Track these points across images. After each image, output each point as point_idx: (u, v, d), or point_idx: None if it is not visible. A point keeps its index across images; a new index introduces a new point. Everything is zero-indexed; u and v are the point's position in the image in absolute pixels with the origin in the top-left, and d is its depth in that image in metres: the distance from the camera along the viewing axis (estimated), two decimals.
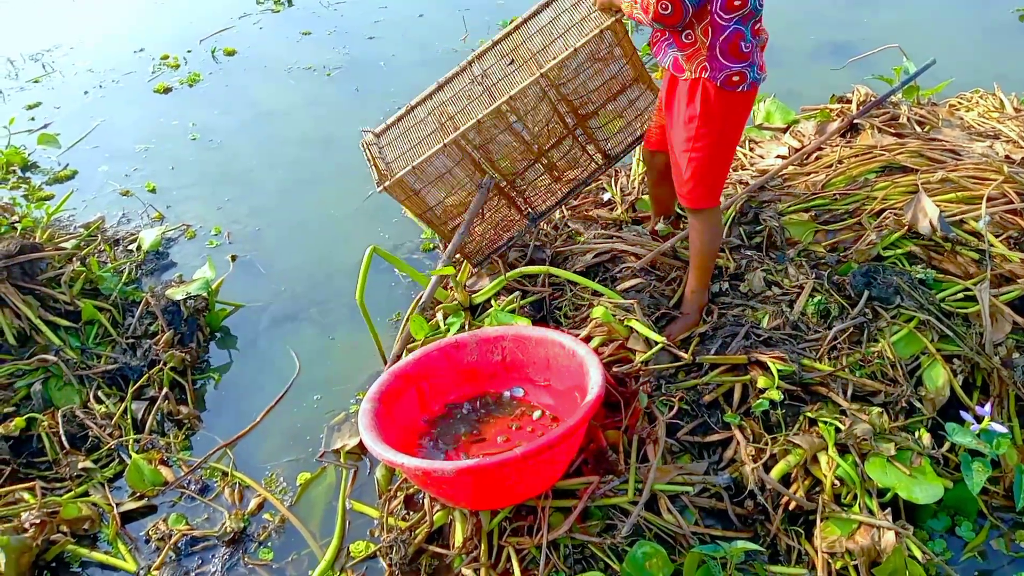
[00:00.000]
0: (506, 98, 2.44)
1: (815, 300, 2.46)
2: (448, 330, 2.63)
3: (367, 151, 2.59)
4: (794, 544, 2.14)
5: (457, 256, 2.65)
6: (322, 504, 2.38)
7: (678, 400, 2.29)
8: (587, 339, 2.47)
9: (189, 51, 5.10)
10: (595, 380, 2.16)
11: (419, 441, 2.33)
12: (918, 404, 2.31)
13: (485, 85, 2.62)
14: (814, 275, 2.52)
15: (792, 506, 2.16)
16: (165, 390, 2.66)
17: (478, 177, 2.60)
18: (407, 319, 2.68)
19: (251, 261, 3.40)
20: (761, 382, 2.24)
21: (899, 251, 2.58)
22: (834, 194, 2.81)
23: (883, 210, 2.69)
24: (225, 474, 2.46)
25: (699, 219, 2.36)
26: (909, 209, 2.59)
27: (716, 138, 2.19)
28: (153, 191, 3.88)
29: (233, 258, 3.40)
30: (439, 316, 2.75)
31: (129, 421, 2.58)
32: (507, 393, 2.46)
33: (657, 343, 2.33)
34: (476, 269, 2.84)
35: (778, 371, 2.26)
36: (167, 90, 4.70)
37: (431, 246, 3.34)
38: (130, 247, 3.37)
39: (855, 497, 2.13)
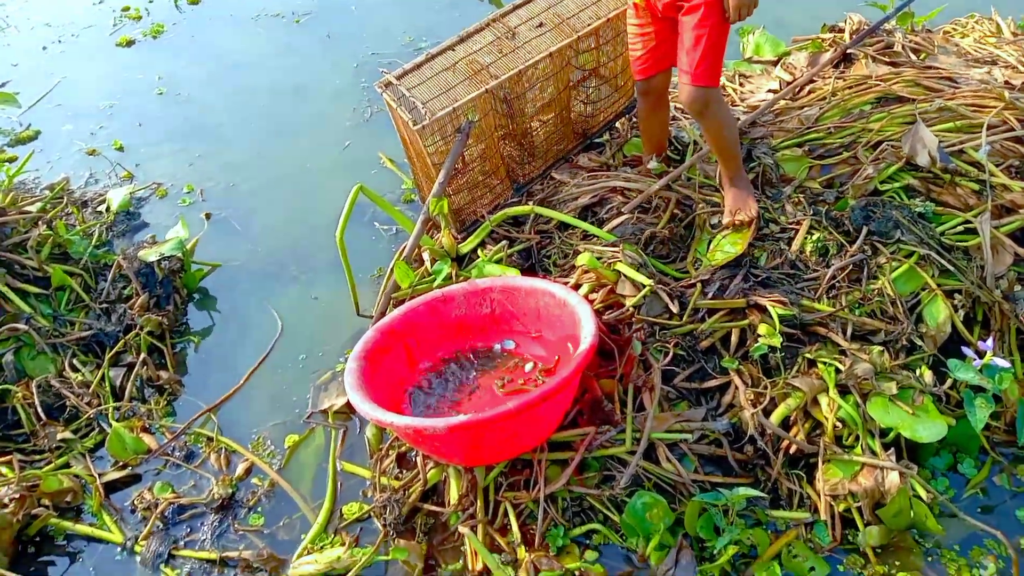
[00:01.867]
0: (546, 53, 2.55)
1: (813, 238, 2.38)
2: (435, 276, 2.54)
3: (386, 93, 2.48)
4: (796, 488, 2.10)
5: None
6: (312, 466, 2.32)
7: (673, 346, 2.22)
8: (576, 287, 2.39)
9: (151, 1, 4.86)
10: (588, 330, 2.08)
11: (408, 399, 2.26)
12: (919, 341, 2.25)
13: (515, 42, 2.57)
14: (811, 212, 2.44)
15: (793, 450, 2.11)
16: (143, 355, 2.56)
17: (500, 130, 2.63)
18: (391, 269, 2.58)
19: (226, 219, 3.27)
20: (762, 329, 2.17)
21: (897, 184, 2.49)
22: (828, 127, 2.71)
23: (880, 142, 2.59)
24: (210, 439, 2.38)
25: (709, 109, 2.36)
26: (907, 140, 2.50)
27: (718, 19, 2.27)
28: (121, 149, 3.72)
29: (207, 216, 3.27)
30: (425, 258, 2.65)
31: (108, 389, 2.49)
32: (498, 346, 2.38)
33: (645, 286, 2.24)
34: (460, 235, 2.74)
35: (778, 315, 2.19)
36: (130, 43, 4.49)
37: (412, 197, 3.22)
38: (99, 208, 3.23)
39: (857, 438, 2.09)
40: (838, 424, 2.09)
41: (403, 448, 2.28)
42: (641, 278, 2.25)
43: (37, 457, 2.32)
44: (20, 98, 3.96)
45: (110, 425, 2.37)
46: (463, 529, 1.90)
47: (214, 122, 3.84)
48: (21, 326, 2.52)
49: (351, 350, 2.24)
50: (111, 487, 2.27)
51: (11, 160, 3.59)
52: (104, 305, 2.72)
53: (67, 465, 2.30)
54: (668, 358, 2.20)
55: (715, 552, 1.98)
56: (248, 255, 3.09)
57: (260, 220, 3.25)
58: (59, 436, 2.33)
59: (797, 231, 2.42)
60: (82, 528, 2.15)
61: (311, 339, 2.70)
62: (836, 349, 2.23)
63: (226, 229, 3.22)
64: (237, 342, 2.74)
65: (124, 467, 2.30)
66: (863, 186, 2.47)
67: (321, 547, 2.09)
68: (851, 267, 2.31)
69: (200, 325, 2.83)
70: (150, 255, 2.78)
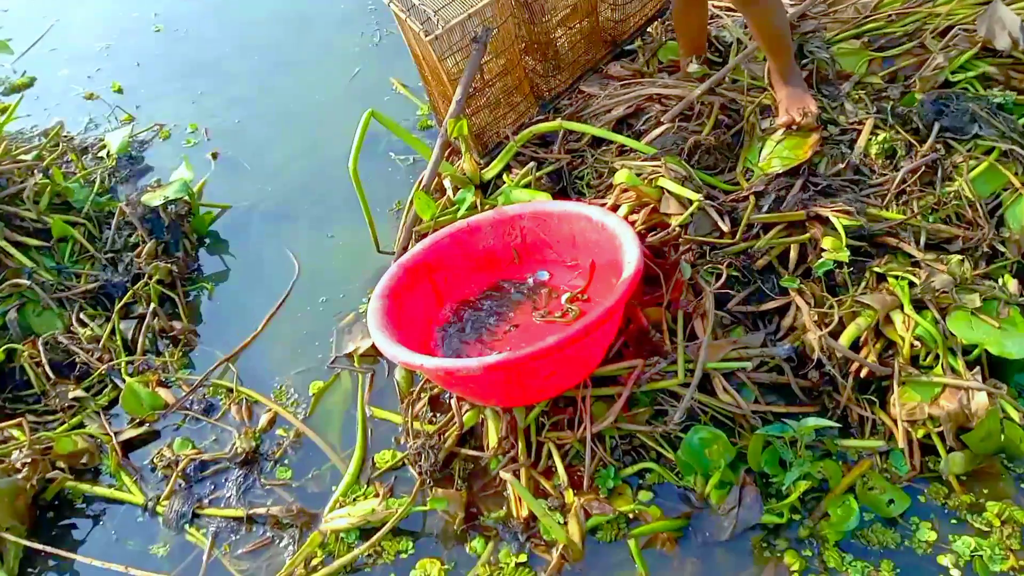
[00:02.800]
0: None
1: (878, 139, 2.12)
2: (458, 205, 2.33)
3: (394, 4, 2.24)
4: (867, 415, 1.91)
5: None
6: (339, 414, 2.17)
7: (726, 267, 2.01)
8: (614, 208, 2.17)
9: None
10: (631, 254, 1.87)
11: (438, 337, 2.09)
12: (1002, 248, 2.01)
13: None
14: (875, 110, 2.18)
15: (864, 373, 1.90)
16: (153, 306, 2.41)
17: (522, 40, 2.40)
18: (411, 201, 2.38)
19: (234, 157, 3.07)
20: (827, 243, 1.94)
21: (971, 74, 2.22)
22: (889, 15, 2.41)
23: (950, 27, 2.31)
24: (230, 391, 2.24)
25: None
26: (982, 22, 2.21)
27: None
28: (120, 92, 3.51)
29: (214, 156, 3.08)
30: (447, 186, 2.44)
31: (119, 343, 2.34)
32: (531, 278, 2.18)
33: (692, 202, 2.01)
34: (483, 160, 2.51)
35: (843, 227, 1.96)
36: None
37: (428, 123, 2.99)
38: (100, 154, 3.05)
39: (936, 358, 1.88)
40: (916, 343, 1.88)
41: (436, 390, 2.11)
42: (687, 193, 2.02)
43: (50, 418, 2.19)
44: (13, 44, 3.76)
45: (124, 381, 2.23)
46: (505, 475, 1.74)
47: (215, 57, 3.61)
48: (23, 281, 2.37)
49: (373, 289, 2.06)
50: (128, 446, 2.14)
51: (6, 110, 3.41)
52: (110, 255, 2.56)
53: (81, 425, 2.17)
54: (721, 281, 1.98)
55: (783, 488, 1.80)
56: (259, 195, 2.90)
57: (269, 157, 3.05)
58: (71, 395, 2.20)
59: (859, 132, 2.16)
60: (100, 490, 2.03)
61: (331, 280, 2.53)
62: (908, 261, 2.01)
63: (234, 168, 3.03)
64: (253, 287, 2.58)
65: (141, 424, 2.16)
66: (932, 78, 2.20)
67: (354, 499, 1.95)
68: (923, 169, 2.06)
69: (213, 271, 2.66)
70: (154, 199, 2.60)
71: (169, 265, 2.51)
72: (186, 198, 2.70)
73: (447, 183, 2.48)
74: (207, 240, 2.76)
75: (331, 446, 2.09)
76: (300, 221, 2.77)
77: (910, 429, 1.86)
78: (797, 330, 2.00)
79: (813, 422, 1.78)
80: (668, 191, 2.08)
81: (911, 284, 1.94)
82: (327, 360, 2.29)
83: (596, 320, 1.70)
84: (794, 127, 2.14)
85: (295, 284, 2.54)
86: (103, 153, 3.03)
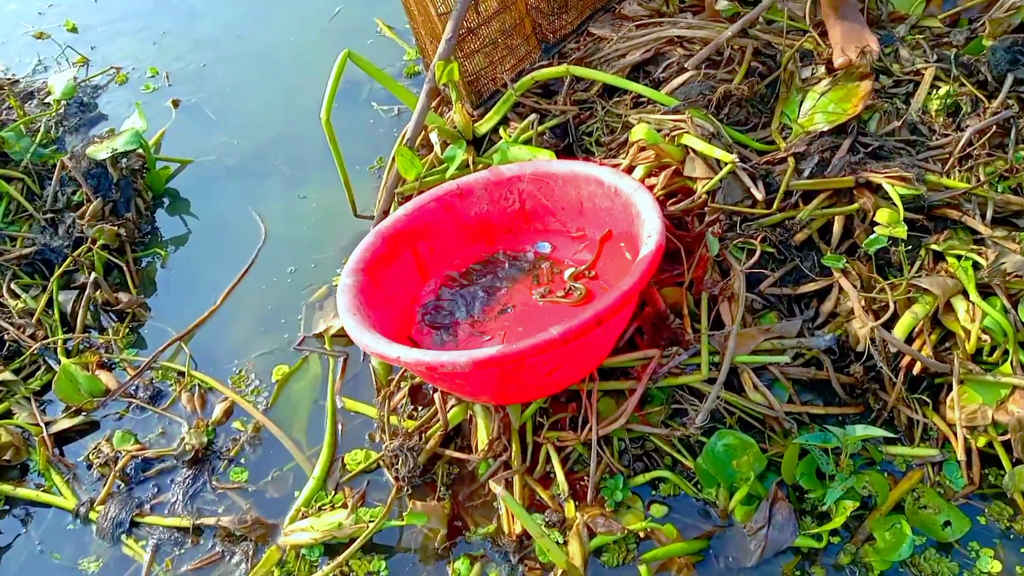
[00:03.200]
0: None
1: (939, 92, 1.81)
2: (447, 164, 2.02)
3: None
4: (918, 417, 1.63)
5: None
6: (306, 405, 1.88)
7: (760, 242, 1.70)
8: (629, 170, 1.86)
9: None
10: (651, 225, 1.57)
11: (422, 319, 1.79)
12: None
13: None
14: (935, 58, 1.86)
15: (917, 369, 1.62)
16: (96, 274, 2.10)
17: None
18: (392, 159, 2.07)
19: (198, 105, 2.74)
20: (881, 216, 1.64)
21: None
22: None
23: None
24: (182, 375, 1.95)
25: None
26: None
27: None
28: (74, 31, 3.16)
29: (175, 104, 2.75)
30: (434, 141, 2.12)
31: (56, 317, 2.05)
32: (530, 250, 1.89)
33: (725, 164, 1.70)
34: (476, 112, 2.18)
35: (899, 196, 1.65)
36: None
37: (416, 69, 2.66)
38: (47, 100, 2.71)
39: (1004, 353, 1.59)
40: (983, 336, 1.59)
41: (417, 380, 1.83)
42: (717, 153, 1.71)
43: None
44: None
45: (59, 362, 1.93)
46: (496, 488, 1.46)
47: None
48: None
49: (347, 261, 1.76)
50: (61, 439, 1.86)
51: None
52: (49, 215, 2.24)
53: (8, 414, 1.88)
54: (754, 258, 1.68)
55: (822, 506, 1.53)
56: (224, 148, 2.58)
57: (237, 106, 2.72)
58: None
59: (918, 84, 1.85)
60: (25, 492, 1.75)
61: (302, 247, 2.22)
62: (971, 238, 1.71)
63: (198, 118, 2.70)
64: (213, 254, 2.28)
65: (77, 413, 1.88)
66: (1004, 20, 1.87)
67: (319, 508, 1.67)
68: (992, 129, 1.75)
69: (168, 234, 2.36)
70: (100, 152, 2.28)
71: (116, 228, 2.20)
72: (140, 151, 2.38)
73: (434, 137, 2.16)
74: (164, 199, 2.45)
75: (295, 443, 1.82)
76: (270, 179, 2.46)
77: (969, 436, 1.58)
78: (839, 317, 1.71)
79: (862, 430, 1.51)
80: (693, 150, 1.76)
81: (976, 266, 1.65)
82: (294, 341, 2.00)
83: (609, 308, 1.41)
84: (850, 67, 1.81)
85: (261, 251, 2.24)
86: (51, 99, 2.69)
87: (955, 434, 1.58)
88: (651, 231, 1.55)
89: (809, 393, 1.69)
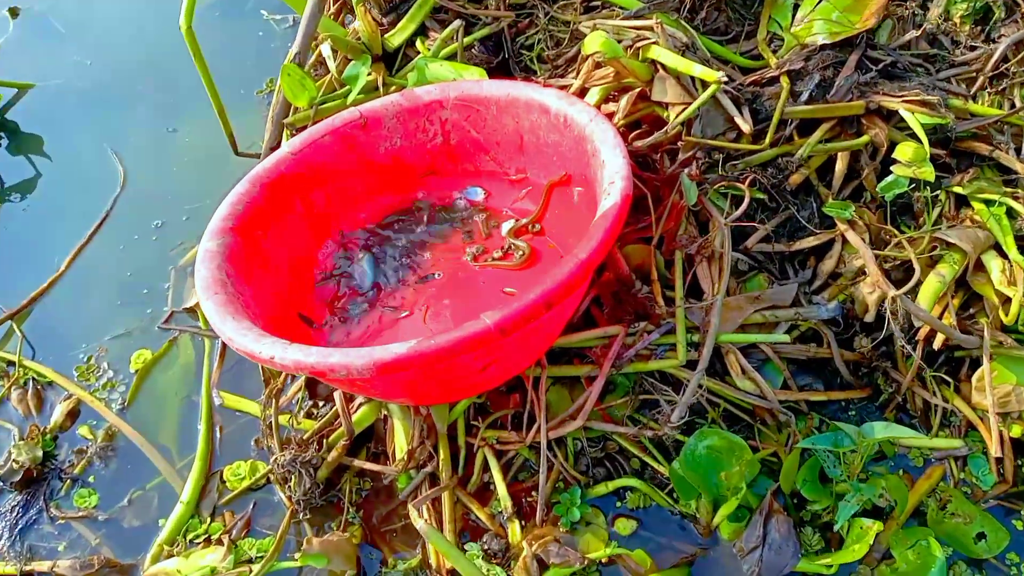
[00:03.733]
0: None
1: None
2: (348, 86, 1.59)
3: None
4: (937, 401, 1.32)
5: None
6: (175, 402, 1.48)
7: (747, 186, 1.34)
8: (581, 93, 1.47)
9: None
10: (613, 166, 1.19)
11: (317, 296, 1.39)
12: None
13: None
14: None
15: (938, 343, 1.30)
16: None
17: None
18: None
19: (43, 16, 2.21)
20: (903, 152, 1.29)
21: None
22: None
23: None
24: (11, 366, 1.51)
25: None
26: None
27: None
28: None
29: (13, 12, 2.20)
30: (327, 56, 1.67)
31: None
32: (459, 198, 1.49)
33: (708, 84, 1.32)
34: (385, 19, 1.72)
35: (920, 125, 1.31)
36: None
37: None
38: None
39: None
40: None
41: None
42: (697, 69, 1.31)
43: None
44: None
45: None
46: (417, 524, 1.11)
47: None
48: None
49: None
50: None
51: None
52: None
53: None
54: (741, 207, 1.32)
55: (825, 517, 1.23)
56: (76, 70, 2.08)
57: (94, 17, 2.20)
58: None
59: None
60: None
61: (171, 195, 1.77)
62: (1002, 178, 1.38)
63: (43, 32, 2.18)
64: (57, 205, 1.81)
65: None
66: None
67: (191, 541, 1.29)
68: None
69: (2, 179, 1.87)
70: None
71: None
72: None
73: (327, 51, 1.70)
74: None
75: (161, 452, 1.42)
76: (134, 109, 1.98)
77: (1002, 425, 1.28)
78: (841, 278, 1.37)
79: (883, 429, 1.19)
80: (663, 67, 1.37)
81: (1010, 213, 1.33)
82: (159, 317, 1.57)
83: (561, 285, 1.03)
84: None
85: (118, 200, 1.78)
86: None
87: (984, 421, 1.28)
88: (614, 175, 1.17)
89: (806, 375, 1.37)
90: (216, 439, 1.42)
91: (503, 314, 1.00)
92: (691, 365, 1.26)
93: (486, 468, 1.32)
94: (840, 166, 1.38)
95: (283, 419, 1.37)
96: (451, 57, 1.62)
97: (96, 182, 1.81)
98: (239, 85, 1.93)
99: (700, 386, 1.24)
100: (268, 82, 1.93)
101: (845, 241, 1.36)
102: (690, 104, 1.33)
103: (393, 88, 1.62)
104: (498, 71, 1.66)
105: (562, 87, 1.46)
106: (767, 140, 1.34)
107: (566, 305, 1.16)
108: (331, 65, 1.64)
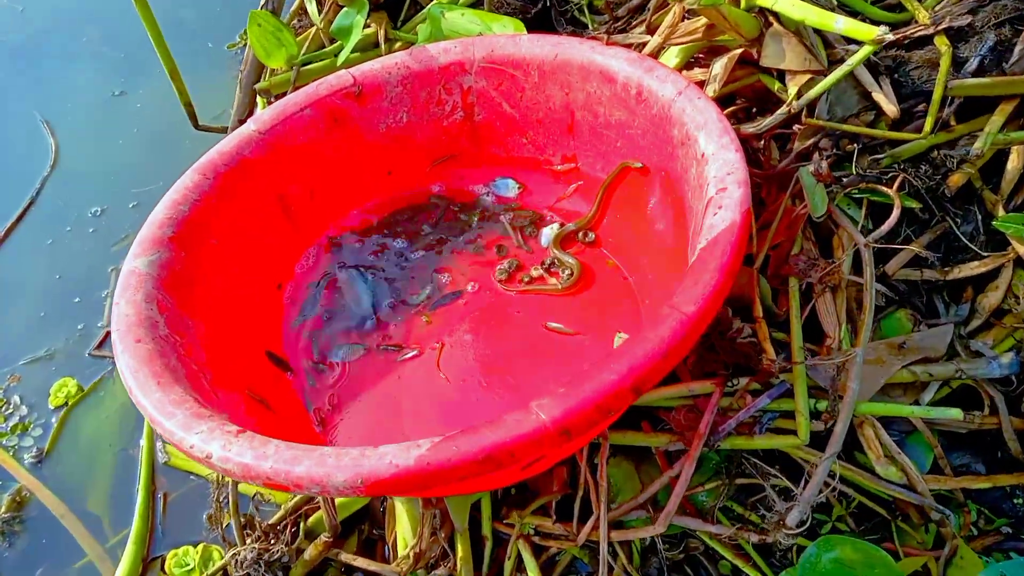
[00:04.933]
0: None
1: None
2: (340, 43, 1.21)
3: None
4: None
5: None
6: (107, 455, 1.12)
7: (895, 190, 0.96)
8: (656, 53, 1.08)
9: None
10: (720, 161, 0.82)
11: (294, 328, 1.02)
12: None
13: None
14: None
15: None
16: None
17: None
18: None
19: None
20: None
21: None
22: None
23: None
24: None
25: None
26: None
27: None
28: None
29: None
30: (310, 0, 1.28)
31: None
32: (484, 194, 1.12)
33: (845, 47, 0.93)
34: None
35: None
36: None
37: None
38: None
39: None
40: None
41: None
42: (838, 23, 0.92)
43: None
44: None
45: None
46: None
47: None
48: None
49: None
50: None
51: None
52: None
53: None
54: (891, 219, 0.94)
55: None
56: (3, 18, 1.68)
57: None
58: None
59: None
60: None
61: (115, 176, 1.40)
62: None
63: None
64: None
65: None
66: None
67: None
68: None
69: None
70: None
71: None
72: None
73: None
74: None
75: (88, 524, 1.06)
76: (74, 66, 1.59)
77: None
78: (1008, 317, 1.00)
79: None
80: (778, 19, 0.98)
81: None
82: (92, 337, 1.21)
83: (656, 357, 0.66)
84: None
85: (47, 182, 1.40)
86: None
87: None
88: (723, 178, 0.79)
89: (962, 450, 1.00)
90: (158, 511, 1.06)
91: (567, 405, 0.64)
92: (820, 445, 0.90)
93: (519, 566, 0.96)
94: (1014, 163, 1.00)
95: (247, 487, 1.02)
96: (476, 4, 1.23)
97: (20, 158, 1.44)
98: (206, 36, 1.55)
99: (831, 475, 0.88)
100: (242, 35, 1.54)
101: (1018, 267, 0.99)
102: (817, 73, 0.94)
103: (399, 45, 1.23)
104: (536, 25, 1.27)
105: (627, 45, 1.07)
106: (926, 126, 0.95)
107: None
108: (314, 13, 1.24)
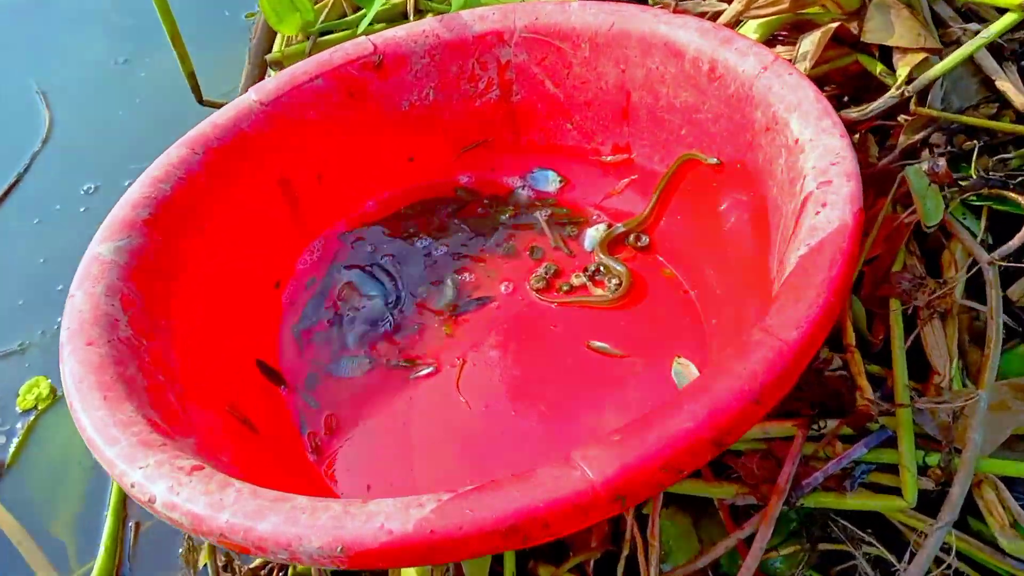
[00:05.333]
0: None
1: None
2: (364, 13, 1.06)
3: None
4: None
5: None
6: (77, 473, 0.98)
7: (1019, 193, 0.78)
8: (733, 24, 0.91)
9: None
10: (821, 149, 0.64)
11: (290, 334, 0.87)
12: None
13: None
14: None
15: None
16: None
17: None
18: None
19: None
20: None
21: None
22: None
23: None
24: None
25: None
26: None
27: None
28: None
29: None
30: None
31: None
32: (520, 187, 0.96)
33: (983, 20, 0.76)
34: None
35: None
36: None
37: None
38: None
39: None
40: None
41: None
42: None
43: None
44: None
45: None
46: None
47: None
48: None
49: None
50: None
51: None
52: None
53: None
54: (1021, 236, 0.76)
55: None
56: None
57: None
58: None
59: None
60: None
61: (112, 151, 1.27)
62: None
63: None
64: None
65: None
66: None
67: None
68: None
69: None
70: None
71: None
72: None
73: None
74: None
75: (50, 552, 0.92)
76: (73, 30, 1.47)
77: None
78: None
79: None
80: None
81: None
82: None
83: (740, 402, 0.49)
84: None
85: (38, 156, 1.27)
86: None
87: None
88: (826, 169, 0.62)
89: None
90: (128, 542, 0.91)
91: (624, 461, 0.47)
92: (929, 510, 0.72)
93: None
94: None
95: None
96: None
97: (11, 130, 1.31)
98: (221, 5, 1.41)
99: (945, 547, 0.70)
100: (250, 15, 1.41)
101: None
102: (933, 52, 0.77)
103: (429, 13, 1.08)
104: None
105: (699, 15, 0.91)
106: None
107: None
108: None
